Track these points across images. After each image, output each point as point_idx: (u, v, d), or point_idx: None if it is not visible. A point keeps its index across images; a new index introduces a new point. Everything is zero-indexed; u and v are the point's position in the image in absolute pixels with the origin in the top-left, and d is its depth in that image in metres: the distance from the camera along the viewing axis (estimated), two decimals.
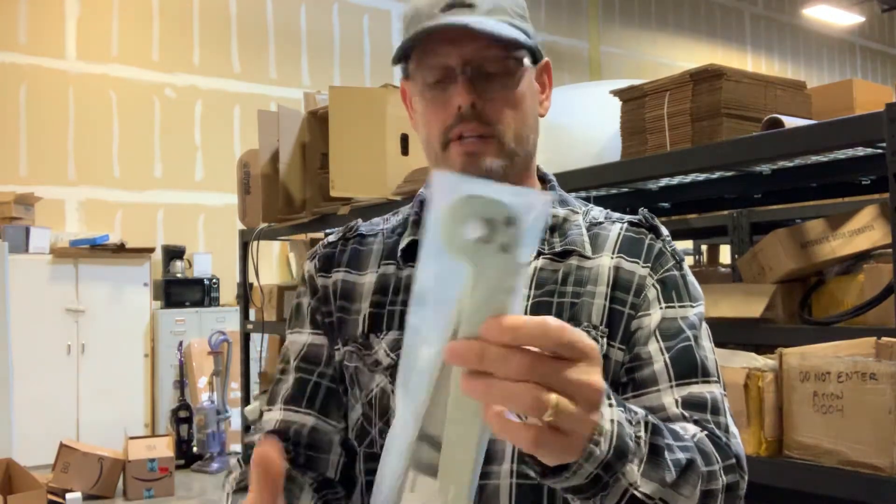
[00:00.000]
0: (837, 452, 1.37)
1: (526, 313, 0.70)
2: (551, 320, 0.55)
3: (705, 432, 0.82)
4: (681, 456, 0.72)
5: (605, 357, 0.89)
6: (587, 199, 1.11)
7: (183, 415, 6.25)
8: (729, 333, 1.92)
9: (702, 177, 2.10)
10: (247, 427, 3.77)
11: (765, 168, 1.94)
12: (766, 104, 1.87)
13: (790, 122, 1.71)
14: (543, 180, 1.05)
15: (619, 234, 0.96)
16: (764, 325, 1.86)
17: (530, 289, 0.92)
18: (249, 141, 5.10)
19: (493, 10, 0.90)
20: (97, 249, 6.27)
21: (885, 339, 1.42)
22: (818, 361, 1.40)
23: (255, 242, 3.43)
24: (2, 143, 6.41)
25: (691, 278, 0.97)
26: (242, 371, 3.76)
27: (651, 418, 0.70)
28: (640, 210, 1.00)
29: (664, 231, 0.98)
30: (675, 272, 0.95)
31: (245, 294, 3.74)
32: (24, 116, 6.51)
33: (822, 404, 1.39)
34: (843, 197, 2.62)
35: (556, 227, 0.97)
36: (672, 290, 0.93)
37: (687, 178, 2.12)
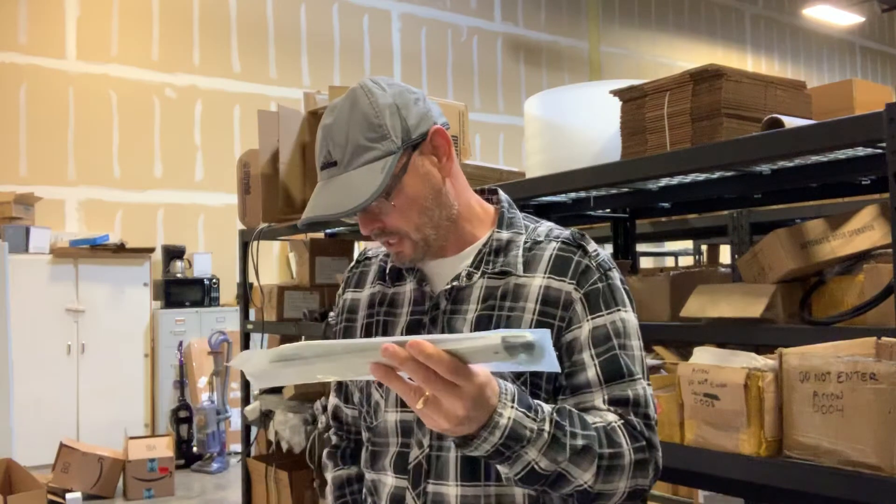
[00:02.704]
0: (837, 452, 1.37)
1: (472, 323, 1.14)
2: (454, 363, 0.85)
3: (622, 421, 1.07)
4: (580, 442, 0.99)
5: None
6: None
7: (183, 415, 6.25)
8: (729, 333, 1.92)
9: (702, 177, 2.10)
10: (247, 427, 3.78)
11: (765, 168, 1.94)
12: (766, 104, 1.87)
13: (790, 122, 1.71)
14: (492, 201, 1.26)
15: (552, 253, 1.17)
16: (764, 325, 1.86)
17: (477, 302, 1.16)
18: (249, 141, 5.10)
19: (352, 156, 1.10)
20: (97, 249, 6.27)
21: (885, 339, 1.42)
22: (818, 361, 1.40)
23: (255, 242, 3.43)
24: (2, 143, 6.41)
25: (617, 285, 1.17)
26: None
27: (556, 416, 0.98)
28: (570, 230, 1.22)
29: (590, 248, 1.19)
30: (600, 284, 1.15)
31: (245, 294, 3.74)
32: (24, 116, 6.51)
33: (822, 404, 1.39)
34: (843, 197, 2.61)
35: (500, 250, 1.19)
36: (599, 300, 1.14)
37: (687, 178, 2.11)
